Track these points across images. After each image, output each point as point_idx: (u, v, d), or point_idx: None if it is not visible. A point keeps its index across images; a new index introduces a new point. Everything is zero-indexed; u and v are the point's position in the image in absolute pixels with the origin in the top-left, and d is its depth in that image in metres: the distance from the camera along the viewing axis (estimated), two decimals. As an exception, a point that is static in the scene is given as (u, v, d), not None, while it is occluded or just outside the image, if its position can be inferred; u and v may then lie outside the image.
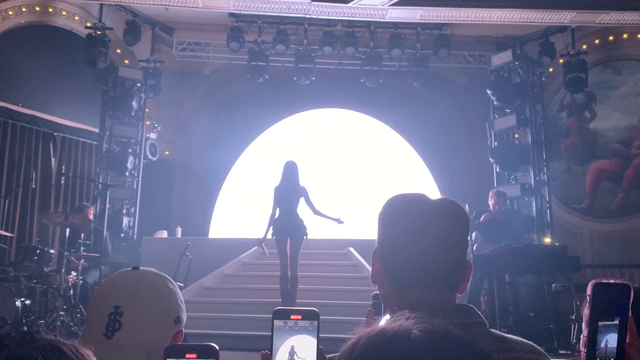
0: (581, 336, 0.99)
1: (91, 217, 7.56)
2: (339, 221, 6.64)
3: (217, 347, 0.92)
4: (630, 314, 0.97)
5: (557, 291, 6.53)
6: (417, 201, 1.18)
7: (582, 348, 0.99)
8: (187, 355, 0.90)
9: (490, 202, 7.53)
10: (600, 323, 0.98)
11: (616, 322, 0.97)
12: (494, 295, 6.59)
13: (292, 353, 0.94)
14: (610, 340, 0.98)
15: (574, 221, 9.80)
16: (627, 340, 0.97)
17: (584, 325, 0.99)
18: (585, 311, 0.98)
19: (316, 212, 6.60)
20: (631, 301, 0.97)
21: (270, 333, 0.95)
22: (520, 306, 7.87)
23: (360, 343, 0.61)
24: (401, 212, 1.17)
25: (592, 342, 0.97)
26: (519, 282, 7.95)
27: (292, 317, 0.96)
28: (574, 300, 5.86)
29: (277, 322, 0.96)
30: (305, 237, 6.59)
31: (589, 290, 0.98)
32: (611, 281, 0.98)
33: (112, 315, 1.15)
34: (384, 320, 1.40)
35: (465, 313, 1.08)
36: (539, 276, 7.33)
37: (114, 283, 1.24)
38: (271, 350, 0.95)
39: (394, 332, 0.60)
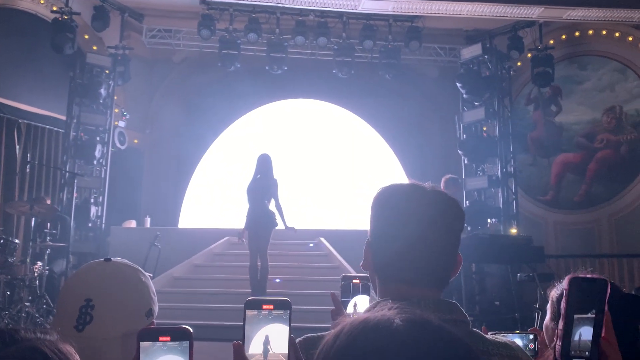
0: (557, 330, 1.00)
1: None
2: (291, 229, 6.69)
3: (191, 330, 0.93)
4: (606, 308, 0.97)
5: (521, 281, 6.69)
6: (410, 192, 1.14)
7: (557, 342, 0.99)
8: (161, 338, 0.91)
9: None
10: (575, 316, 0.98)
11: (591, 315, 0.97)
12: (460, 285, 6.73)
13: (266, 342, 0.95)
14: (584, 333, 0.98)
15: (539, 212, 10.04)
16: (603, 335, 0.97)
17: (560, 320, 0.99)
18: (563, 304, 0.99)
19: (277, 206, 6.64)
20: (608, 296, 0.97)
21: (242, 323, 0.96)
22: (486, 295, 8.05)
23: (344, 332, 0.62)
24: (393, 203, 1.13)
25: (568, 334, 0.98)
26: (485, 271, 8.13)
27: (264, 307, 0.96)
28: (538, 290, 6.02)
29: (249, 312, 0.96)
30: (275, 228, 6.63)
31: (565, 284, 1.00)
32: (588, 276, 0.99)
33: (84, 308, 1.14)
34: (352, 304, 1.41)
35: (447, 309, 1.07)
36: (504, 266, 7.49)
37: (86, 275, 1.23)
38: (243, 340, 0.95)
39: (376, 322, 0.61)
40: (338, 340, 0.62)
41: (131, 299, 1.19)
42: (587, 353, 0.98)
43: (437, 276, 1.11)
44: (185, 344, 0.92)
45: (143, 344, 0.91)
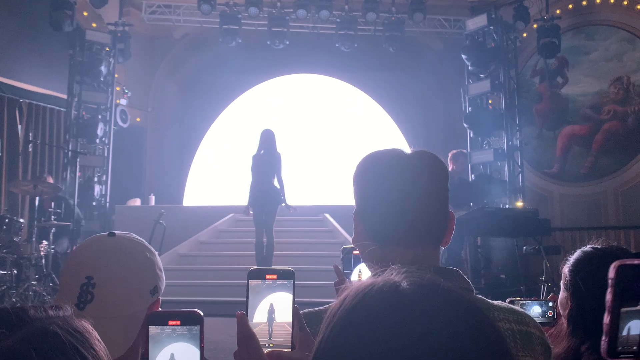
0: (603, 324, 0.93)
1: None
2: (291, 208, 6.61)
3: (202, 313, 0.90)
4: None
5: (527, 254, 6.68)
6: (392, 155, 1.14)
7: (604, 337, 0.93)
8: (170, 322, 0.88)
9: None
10: (623, 309, 0.90)
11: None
12: (466, 258, 6.73)
13: (271, 311, 0.93)
14: (633, 328, 0.90)
15: (545, 185, 9.98)
16: None
17: (606, 313, 0.92)
18: (608, 296, 0.91)
19: (280, 182, 6.60)
20: None
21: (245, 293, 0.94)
22: (492, 268, 8.06)
23: (349, 297, 0.60)
24: (377, 168, 1.14)
25: (615, 330, 0.90)
26: (491, 245, 8.13)
27: (268, 276, 0.94)
28: (543, 262, 6.00)
29: (253, 282, 0.94)
30: (281, 205, 6.61)
31: (611, 273, 0.91)
32: (636, 262, 0.90)
33: (85, 286, 1.10)
34: (356, 272, 1.39)
35: (449, 276, 1.05)
36: (510, 239, 7.48)
37: (88, 250, 1.18)
38: (247, 310, 0.93)
39: (382, 285, 0.59)
40: (343, 304, 0.60)
41: (135, 276, 1.14)
42: (635, 348, 0.91)
43: (432, 234, 1.11)
44: (196, 329, 0.89)
45: (152, 329, 0.88)
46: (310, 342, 0.91)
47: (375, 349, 0.54)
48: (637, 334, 0.91)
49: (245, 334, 0.90)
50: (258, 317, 0.93)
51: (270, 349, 0.92)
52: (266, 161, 6.56)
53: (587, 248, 1.45)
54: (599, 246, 1.45)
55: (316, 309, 1.09)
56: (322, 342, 0.59)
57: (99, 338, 0.69)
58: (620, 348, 0.92)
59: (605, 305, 0.94)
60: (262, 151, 6.61)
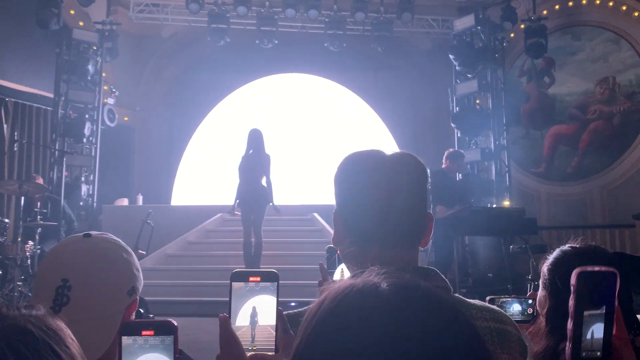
0: (567, 330, 0.94)
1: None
2: (276, 208, 6.58)
3: (175, 323, 0.88)
4: (616, 303, 0.92)
5: (514, 252, 6.72)
6: (372, 156, 1.15)
7: (568, 343, 0.94)
8: (144, 332, 0.87)
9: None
10: (586, 313, 0.92)
11: (602, 311, 0.91)
12: (453, 257, 6.76)
13: (254, 314, 0.93)
14: (596, 331, 0.92)
15: (532, 184, 10.06)
16: (614, 332, 0.92)
17: (569, 319, 0.93)
18: (571, 302, 0.93)
19: (268, 183, 6.58)
20: (617, 290, 0.91)
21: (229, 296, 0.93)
22: (479, 267, 8.10)
23: (328, 298, 0.60)
24: (357, 169, 1.14)
25: (578, 334, 0.92)
26: (478, 244, 8.17)
27: (251, 278, 0.93)
28: (530, 261, 6.05)
29: (236, 284, 0.93)
30: (269, 205, 6.59)
31: (573, 280, 0.93)
32: (596, 269, 0.92)
33: (60, 289, 1.08)
34: (339, 271, 1.40)
35: (427, 276, 1.06)
36: (497, 238, 7.53)
37: (63, 252, 1.16)
38: (229, 313, 0.92)
39: (361, 286, 0.59)
40: (322, 306, 0.60)
41: (111, 278, 1.13)
42: (598, 353, 0.92)
43: (410, 235, 1.11)
44: (170, 339, 0.88)
45: (125, 339, 0.87)
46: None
47: (356, 350, 0.54)
48: (600, 337, 0.92)
49: (228, 337, 0.90)
50: (241, 320, 0.92)
51: (254, 352, 0.91)
52: (254, 161, 6.54)
53: (566, 247, 1.47)
54: (577, 245, 1.46)
55: (292, 311, 1.08)
56: (302, 345, 0.59)
57: (72, 337, 0.69)
58: (584, 353, 0.93)
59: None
60: (251, 151, 6.59)
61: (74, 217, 7.92)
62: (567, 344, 0.95)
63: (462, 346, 0.56)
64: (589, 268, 0.94)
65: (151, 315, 4.84)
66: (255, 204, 6.53)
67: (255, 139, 6.62)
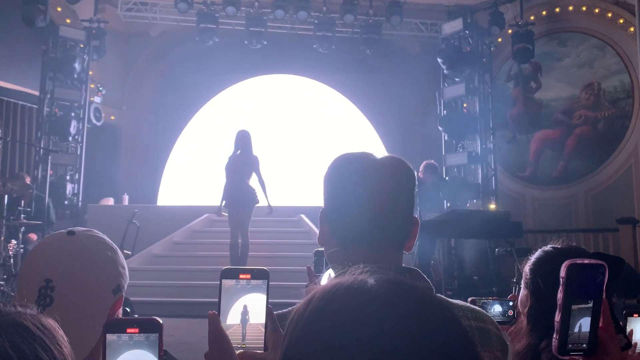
0: (554, 322, 0.95)
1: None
2: (268, 208, 6.58)
3: (160, 321, 0.88)
4: (604, 296, 0.92)
5: (499, 255, 6.77)
6: (362, 159, 1.15)
7: (555, 335, 0.95)
8: (129, 330, 0.86)
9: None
10: (574, 307, 0.92)
11: (590, 305, 0.92)
12: (439, 260, 6.80)
13: (244, 313, 0.92)
14: (584, 325, 0.92)
15: (518, 188, 10.15)
16: (600, 325, 0.93)
17: (557, 311, 0.93)
18: (559, 294, 0.94)
19: (261, 182, 6.58)
20: (606, 282, 0.92)
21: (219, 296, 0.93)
22: (465, 270, 8.15)
23: (316, 297, 0.60)
24: (348, 170, 1.15)
25: (565, 326, 0.92)
26: (464, 247, 8.23)
27: (242, 276, 0.93)
28: (515, 264, 6.10)
29: (226, 282, 0.93)
30: (255, 205, 6.58)
31: (562, 272, 0.93)
32: (586, 261, 0.92)
33: (43, 289, 1.06)
34: (327, 275, 1.40)
35: (409, 276, 1.07)
36: (482, 241, 7.58)
37: (46, 251, 1.14)
38: (219, 311, 0.92)
39: (349, 284, 0.59)
40: (310, 305, 0.60)
41: (96, 277, 1.11)
42: (584, 346, 0.93)
43: (396, 238, 1.12)
44: (154, 336, 0.87)
45: (109, 336, 0.86)
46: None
47: (346, 347, 0.54)
48: (587, 331, 0.93)
49: (217, 335, 0.90)
50: (231, 318, 0.92)
51: (243, 350, 0.91)
52: (242, 162, 6.53)
53: (547, 248, 1.50)
54: (558, 246, 1.49)
55: (280, 311, 1.08)
56: (291, 344, 0.59)
57: (64, 336, 0.69)
58: (570, 345, 0.94)
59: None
60: (239, 152, 6.57)
61: (53, 216, 7.83)
62: (554, 335, 0.96)
63: (452, 342, 0.57)
64: (579, 260, 0.94)
65: (136, 316, 4.81)
66: (243, 205, 6.51)
67: (243, 140, 6.61)
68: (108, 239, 1.19)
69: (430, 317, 0.57)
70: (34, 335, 0.63)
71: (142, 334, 0.87)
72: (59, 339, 0.67)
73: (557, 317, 0.95)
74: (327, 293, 0.60)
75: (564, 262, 0.96)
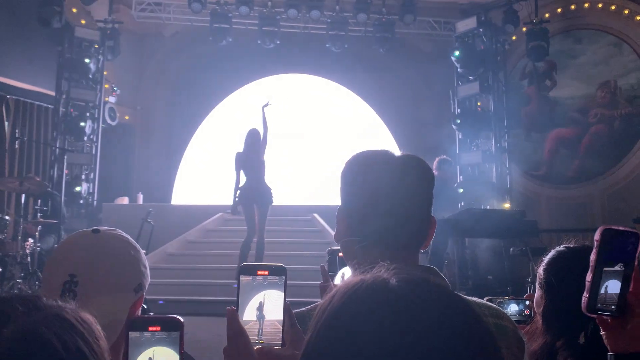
0: (586, 281, 1.00)
1: None
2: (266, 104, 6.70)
3: (182, 319, 0.90)
4: (636, 263, 0.97)
5: (514, 255, 6.72)
6: (380, 157, 1.15)
7: (585, 293, 0.99)
8: (151, 328, 0.89)
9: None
10: (604, 269, 0.97)
11: (619, 268, 0.97)
12: (453, 259, 6.76)
13: (260, 308, 0.93)
14: (610, 286, 0.97)
15: (532, 187, 10.06)
16: (631, 289, 0.97)
17: (589, 272, 0.98)
18: (592, 256, 0.99)
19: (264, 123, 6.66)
20: (638, 251, 0.96)
21: (236, 297, 0.93)
22: (479, 270, 8.10)
23: (338, 294, 0.60)
24: (367, 169, 1.14)
25: (596, 287, 0.97)
26: (478, 246, 8.18)
27: (259, 272, 0.94)
28: (530, 264, 6.05)
29: (244, 278, 0.94)
30: (271, 204, 6.60)
31: (597, 235, 0.99)
32: (620, 228, 0.98)
33: (67, 284, 1.09)
34: (340, 274, 1.40)
35: (427, 274, 1.06)
36: (497, 240, 7.53)
37: (71, 247, 1.17)
38: (237, 306, 0.93)
39: (371, 282, 0.60)
40: (332, 302, 0.60)
41: (118, 275, 1.13)
42: (613, 307, 0.97)
43: (413, 237, 1.12)
44: (176, 334, 0.89)
45: (132, 334, 0.89)
46: (301, 339, 0.92)
47: (367, 344, 0.54)
48: (614, 293, 0.97)
49: (235, 330, 0.90)
50: (248, 314, 0.93)
51: (260, 346, 0.92)
52: (254, 160, 6.54)
53: (561, 248, 1.49)
54: (572, 245, 1.48)
55: (303, 309, 1.09)
56: (312, 339, 0.59)
57: (100, 330, 0.71)
58: (599, 305, 0.98)
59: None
60: (248, 150, 6.58)
61: (65, 212, 7.90)
62: (585, 293, 0.99)
63: (475, 340, 0.56)
64: (614, 226, 0.99)
65: (151, 314, 4.84)
66: (261, 205, 6.52)
67: (253, 139, 6.63)
68: (131, 239, 1.22)
69: (454, 318, 0.57)
70: (75, 327, 0.65)
71: (163, 332, 0.89)
72: (97, 333, 0.69)
73: (589, 277, 0.99)
74: (349, 290, 0.60)
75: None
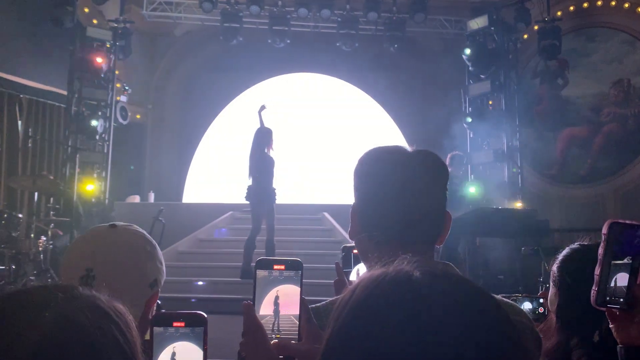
0: (594, 275, 1.00)
1: None
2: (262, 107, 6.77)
3: (206, 315, 0.90)
4: None
5: (526, 254, 6.67)
6: (394, 152, 1.14)
7: (594, 287, 1.00)
8: (175, 324, 0.90)
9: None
10: (612, 262, 0.98)
11: (627, 261, 0.97)
12: (464, 259, 6.73)
13: (277, 303, 0.93)
14: (619, 280, 0.98)
15: (544, 187, 9.98)
16: (638, 282, 0.97)
17: (597, 265, 0.99)
18: (600, 250, 0.99)
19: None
20: None
21: (245, 296, 0.94)
22: (491, 269, 8.06)
23: (360, 286, 0.60)
24: (380, 165, 1.13)
25: (604, 281, 0.98)
26: (489, 245, 8.13)
27: (276, 267, 0.94)
28: (542, 263, 6.01)
29: (260, 272, 0.94)
30: (275, 203, 6.67)
31: (604, 229, 0.99)
32: (627, 222, 0.98)
33: (84, 278, 1.10)
34: (355, 270, 1.39)
35: None
36: (508, 240, 7.48)
37: (88, 242, 1.19)
38: (253, 300, 0.93)
39: (394, 275, 0.59)
40: (354, 294, 0.60)
41: (134, 270, 1.15)
42: (621, 300, 0.98)
43: (428, 233, 1.11)
44: (200, 330, 0.91)
45: (156, 329, 0.90)
46: (317, 334, 0.91)
47: (392, 337, 0.54)
48: (623, 286, 0.98)
49: (252, 324, 0.91)
50: (264, 309, 0.93)
51: (277, 340, 0.92)
52: (261, 159, 6.58)
53: (575, 245, 1.48)
54: (586, 243, 1.47)
55: (318, 304, 1.08)
56: (335, 333, 0.59)
57: (132, 320, 0.73)
58: (608, 298, 0.98)
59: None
60: (257, 149, 6.62)
61: (82, 212, 7.97)
62: (594, 287, 1.00)
63: (501, 331, 0.56)
64: (621, 220, 0.99)
65: (163, 311, 4.87)
66: (268, 203, 6.59)
67: (261, 138, 6.67)
68: (148, 235, 1.22)
69: (478, 307, 0.57)
70: (110, 316, 0.67)
71: (187, 328, 0.90)
72: (130, 323, 0.71)
73: (597, 270, 0.99)
74: (372, 283, 0.59)
75: (607, 222, 1.01)
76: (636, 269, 0.97)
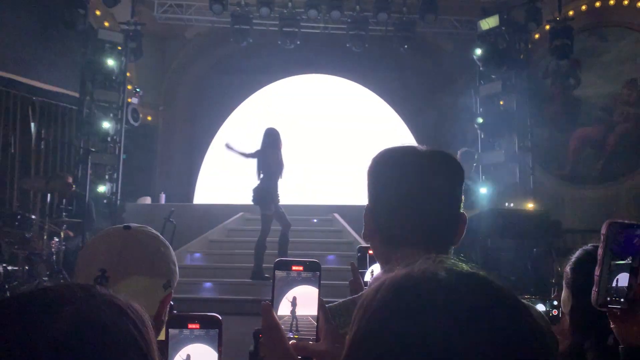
0: (594, 275, 0.99)
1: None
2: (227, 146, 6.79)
3: (220, 317, 0.91)
4: None
5: (538, 255, 6.64)
6: (407, 153, 1.12)
7: (594, 288, 0.99)
8: (190, 326, 0.90)
9: None
10: (613, 262, 0.97)
11: (629, 261, 0.96)
12: (476, 260, 6.69)
13: (295, 304, 0.93)
14: (621, 280, 0.97)
15: (556, 187, 9.91)
16: (639, 281, 0.96)
17: (597, 266, 0.98)
18: (599, 250, 0.98)
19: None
20: None
21: (255, 297, 0.94)
22: (502, 270, 8.00)
23: (385, 286, 0.60)
24: (394, 166, 1.12)
25: (604, 281, 0.97)
26: (501, 246, 8.08)
27: (294, 267, 0.94)
28: (554, 264, 5.97)
29: (278, 273, 0.94)
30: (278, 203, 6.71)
31: (603, 230, 0.98)
32: (626, 221, 0.98)
33: (98, 279, 1.11)
34: (370, 271, 1.39)
35: None
36: (520, 241, 7.43)
37: (102, 243, 1.20)
38: (272, 300, 0.93)
39: (420, 274, 0.59)
40: (379, 294, 0.59)
41: (148, 271, 1.15)
42: (622, 300, 0.97)
43: (442, 235, 1.09)
44: (214, 332, 0.91)
45: (172, 331, 0.90)
46: (335, 335, 0.91)
47: (422, 335, 0.54)
48: (624, 286, 0.97)
49: (271, 324, 0.91)
50: (282, 309, 0.93)
51: (295, 340, 0.93)
52: (269, 159, 6.59)
53: (588, 247, 1.47)
54: (627, 222, 1.46)
55: (334, 304, 1.08)
56: (359, 334, 0.59)
57: (149, 320, 0.73)
58: (609, 298, 0.98)
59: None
60: (266, 149, 6.63)
61: (94, 215, 8.03)
62: (594, 287, 0.99)
63: (527, 333, 0.56)
64: (619, 220, 0.99)
65: (174, 312, 4.90)
66: (276, 202, 6.61)
67: (270, 138, 6.69)
68: (161, 236, 1.23)
69: (504, 310, 0.57)
70: (128, 314, 0.68)
71: (202, 329, 0.91)
72: (147, 322, 0.71)
73: (597, 271, 0.98)
74: (397, 282, 0.59)
75: (606, 222, 1.01)
76: (636, 268, 0.96)
